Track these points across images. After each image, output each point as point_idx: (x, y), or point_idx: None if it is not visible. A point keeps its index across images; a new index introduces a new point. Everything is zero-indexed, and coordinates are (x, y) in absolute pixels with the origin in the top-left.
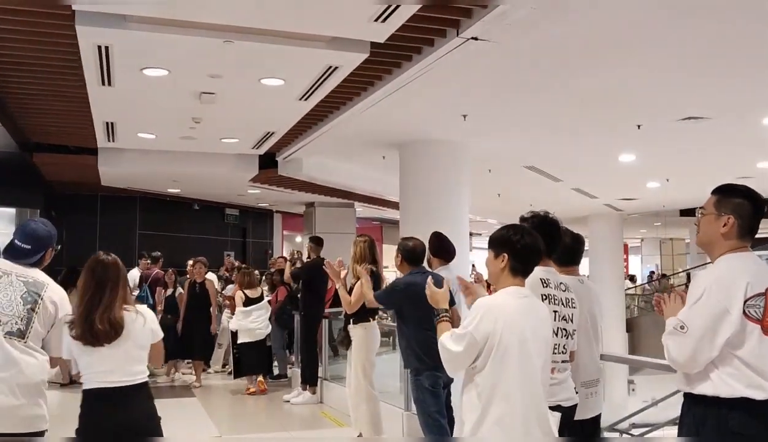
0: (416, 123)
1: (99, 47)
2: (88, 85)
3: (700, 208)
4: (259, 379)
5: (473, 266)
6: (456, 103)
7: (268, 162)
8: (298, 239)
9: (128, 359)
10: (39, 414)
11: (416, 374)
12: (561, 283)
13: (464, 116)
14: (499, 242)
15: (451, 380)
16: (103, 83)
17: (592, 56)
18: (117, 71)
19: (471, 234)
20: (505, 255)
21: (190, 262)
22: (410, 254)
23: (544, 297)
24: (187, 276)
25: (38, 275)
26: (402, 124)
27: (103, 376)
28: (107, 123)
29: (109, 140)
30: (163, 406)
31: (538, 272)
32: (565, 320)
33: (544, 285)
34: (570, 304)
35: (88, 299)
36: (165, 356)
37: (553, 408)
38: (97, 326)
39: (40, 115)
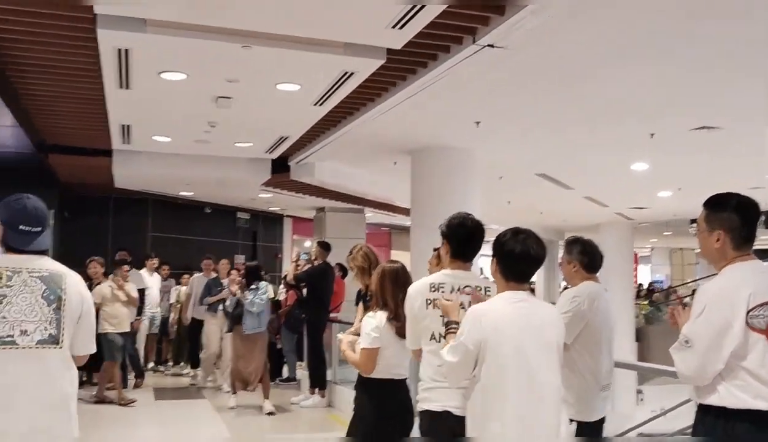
0: (429, 129)
1: (119, 50)
2: (106, 88)
3: (694, 221)
4: None
5: (481, 269)
6: (469, 109)
7: (280, 166)
8: (308, 243)
9: None
10: (71, 436)
11: None
12: (467, 286)
13: (477, 123)
14: (493, 247)
15: None
16: (121, 86)
17: (605, 64)
18: (135, 74)
19: None
20: (495, 260)
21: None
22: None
23: (428, 302)
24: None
25: (51, 264)
26: (415, 130)
27: None
28: (123, 126)
29: (124, 143)
30: (173, 407)
31: (439, 276)
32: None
33: (432, 289)
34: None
35: None
36: None
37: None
38: None
39: (57, 117)
